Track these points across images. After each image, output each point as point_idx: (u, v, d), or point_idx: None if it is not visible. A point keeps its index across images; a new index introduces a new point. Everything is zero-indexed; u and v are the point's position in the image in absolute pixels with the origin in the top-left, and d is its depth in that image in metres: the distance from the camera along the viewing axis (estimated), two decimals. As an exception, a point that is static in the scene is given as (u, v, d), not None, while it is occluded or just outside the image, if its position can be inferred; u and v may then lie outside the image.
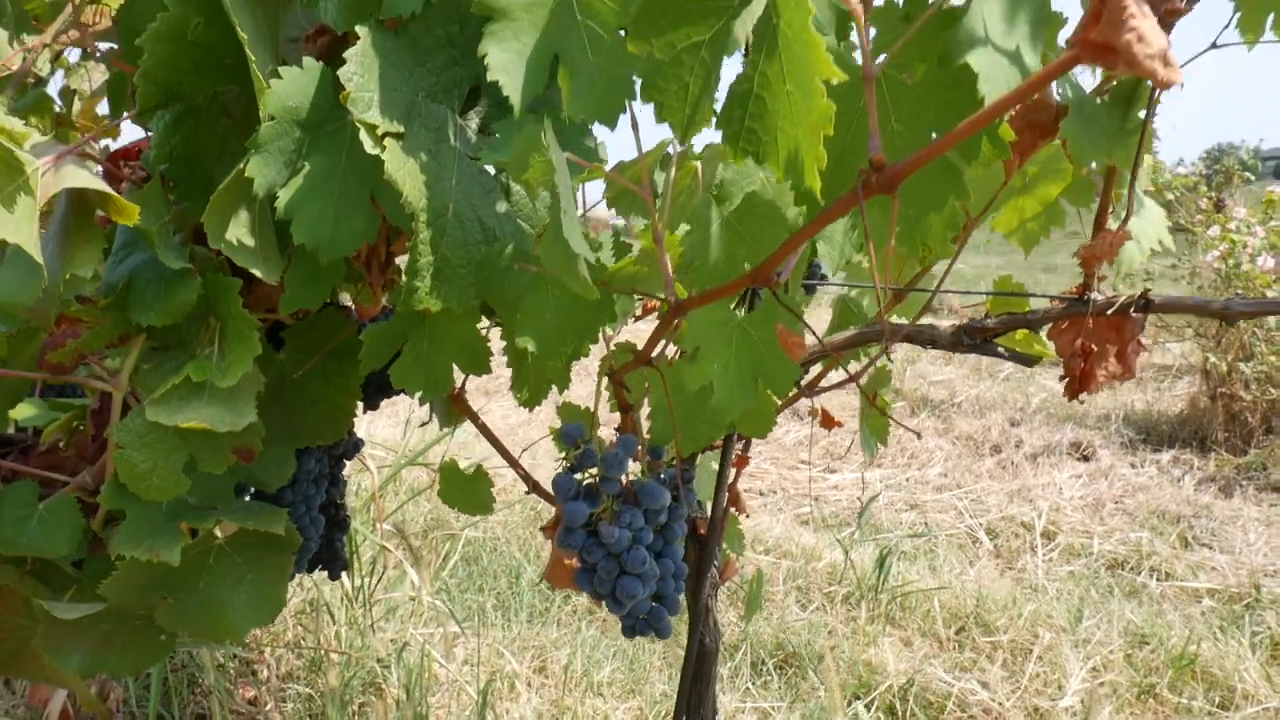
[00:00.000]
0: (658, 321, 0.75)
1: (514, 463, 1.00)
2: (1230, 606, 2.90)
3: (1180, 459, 4.35)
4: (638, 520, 0.72)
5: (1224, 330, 4.58)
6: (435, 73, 0.77)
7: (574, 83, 0.54)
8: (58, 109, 1.53)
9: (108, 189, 0.70)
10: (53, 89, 1.68)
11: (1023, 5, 0.49)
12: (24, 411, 1.26)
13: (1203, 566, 3.20)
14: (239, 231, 0.76)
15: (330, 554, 1.24)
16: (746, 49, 0.52)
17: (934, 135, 0.53)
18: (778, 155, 0.47)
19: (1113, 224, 0.79)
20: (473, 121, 0.83)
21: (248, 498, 1.16)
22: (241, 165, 0.71)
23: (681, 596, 0.90)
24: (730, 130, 0.48)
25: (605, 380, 0.84)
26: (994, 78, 0.46)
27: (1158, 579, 3.12)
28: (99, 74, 1.46)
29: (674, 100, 0.48)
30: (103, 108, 1.61)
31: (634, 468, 0.82)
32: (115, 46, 1.38)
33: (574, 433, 0.75)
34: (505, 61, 0.55)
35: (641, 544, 0.72)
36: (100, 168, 0.89)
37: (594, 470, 0.74)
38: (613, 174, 0.60)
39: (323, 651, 2.05)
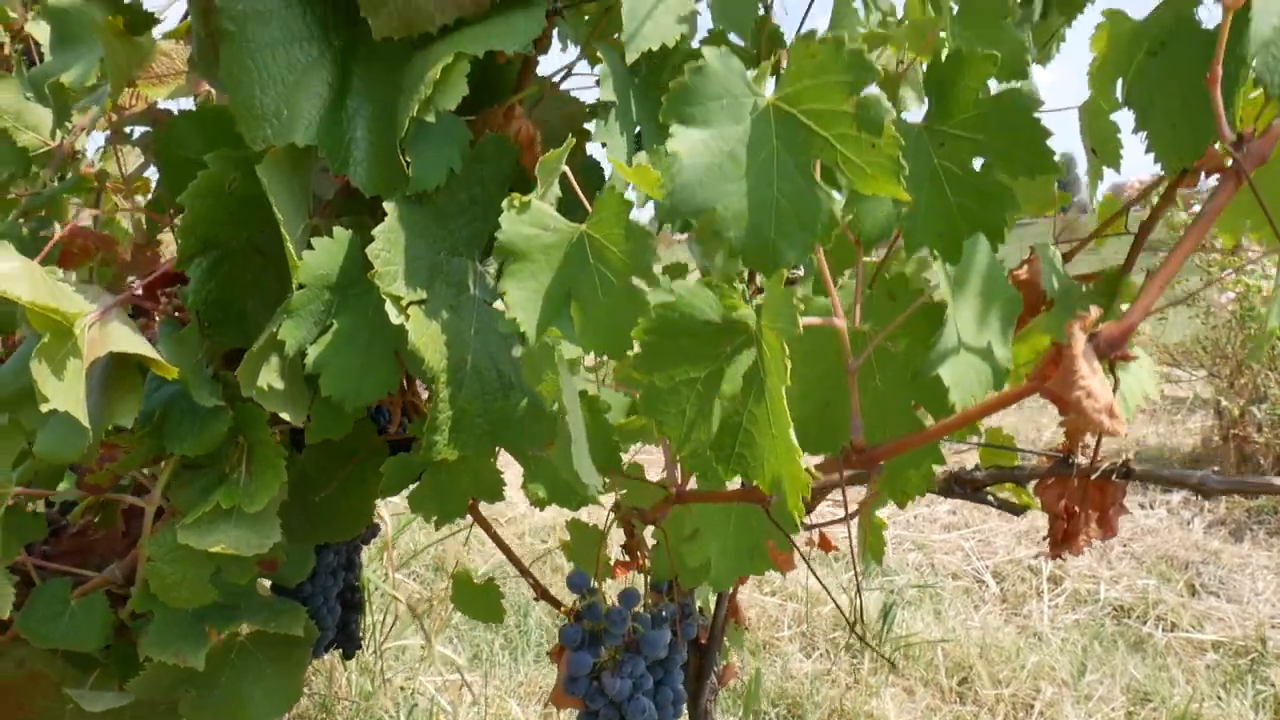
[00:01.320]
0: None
1: (525, 571, 1.05)
2: (1235, 661, 2.92)
3: (1190, 500, 4.35)
4: (639, 668, 0.76)
5: (1237, 372, 4.59)
6: (458, 230, 0.82)
7: (585, 318, 0.58)
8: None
9: (151, 352, 0.75)
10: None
11: (994, 305, 0.53)
12: (61, 484, 1.32)
13: (1209, 617, 3.21)
14: (269, 377, 0.81)
15: (345, 636, 1.29)
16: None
17: (913, 402, 0.57)
18: (764, 478, 0.51)
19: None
20: (492, 267, 0.88)
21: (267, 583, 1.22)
22: (274, 329, 0.76)
23: (683, 705, 0.94)
24: (722, 454, 0.53)
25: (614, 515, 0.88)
26: (965, 384, 0.50)
27: (1163, 629, 3.13)
28: (134, 157, 1.51)
29: (672, 421, 0.53)
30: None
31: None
32: (150, 130, 1.43)
33: (580, 582, 0.79)
34: (522, 299, 0.59)
35: (642, 690, 0.76)
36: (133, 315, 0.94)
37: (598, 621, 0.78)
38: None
39: (333, 698, 2.10)
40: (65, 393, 0.70)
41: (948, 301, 0.52)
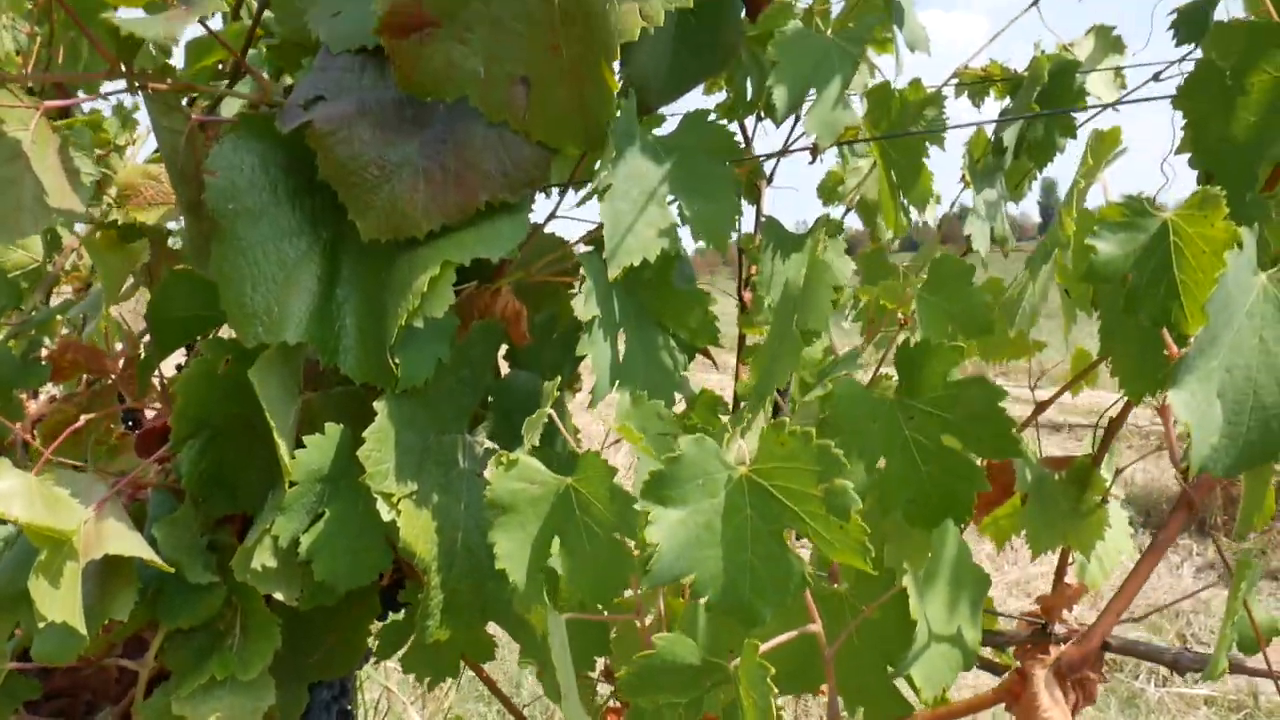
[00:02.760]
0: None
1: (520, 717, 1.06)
2: (1228, 716, 2.93)
3: (1179, 544, 4.37)
4: None
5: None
6: (447, 411, 0.84)
7: (571, 564, 0.60)
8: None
9: (146, 551, 0.76)
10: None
11: (963, 590, 0.55)
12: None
13: (1201, 670, 3.22)
14: (263, 558, 0.82)
15: (340, 762, 1.29)
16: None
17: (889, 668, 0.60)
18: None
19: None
20: (481, 435, 0.89)
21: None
22: (267, 525, 0.77)
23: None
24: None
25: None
26: (935, 677, 0.52)
27: (1155, 683, 3.14)
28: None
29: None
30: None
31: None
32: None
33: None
34: (511, 549, 0.61)
35: None
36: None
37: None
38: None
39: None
40: (62, 603, 0.71)
41: (915, 613, 0.54)
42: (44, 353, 1.73)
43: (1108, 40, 1.12)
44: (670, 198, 0.71)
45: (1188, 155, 0.66)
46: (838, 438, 0.51)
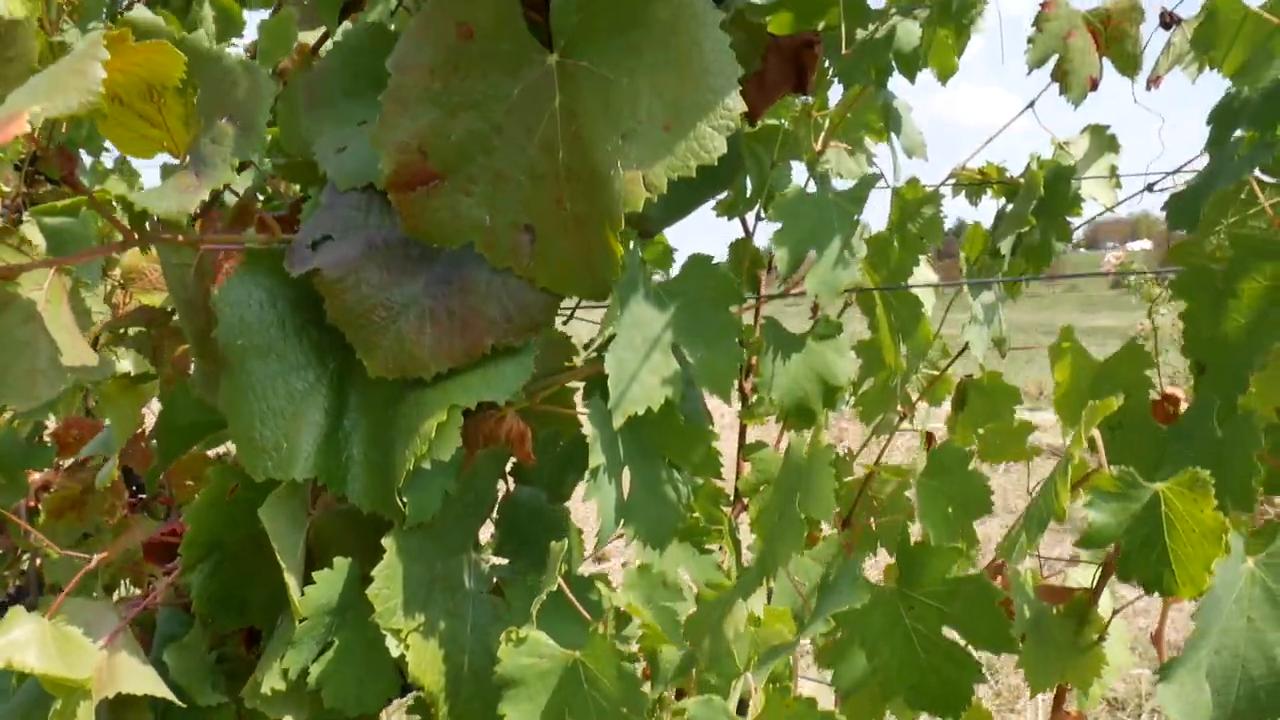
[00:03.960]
0: None
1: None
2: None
3: (1179, 573, 4.37)
4: None
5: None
6: (453, 537, 0.85)
7: (587, 740, 0.61)
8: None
9: (161, 689, 0.77)
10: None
11: None
12: None
13: (1202, 706, 3.22)
14: (272, 682, 0.83)
15: None
16: None
17: None
18: None
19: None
20: (486, 553, 0.90)
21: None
22: (278, 659, 0.78)
23: None
24: None
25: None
26: None
27: (1156, 722, 3.14)
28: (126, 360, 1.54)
29: None
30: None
31: None
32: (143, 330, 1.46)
33: None
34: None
35: None
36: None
37: None
38: None
39: None
40: (76, 747, 0.72)
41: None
42: (50, 424, 1.74)
43: (1103, 139, 1.13)
44: (673, 344, 0.72)
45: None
46: (841, 628, 0.52)
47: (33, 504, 1.83)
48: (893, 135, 1.01)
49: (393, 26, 0.99)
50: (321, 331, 0.83)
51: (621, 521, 0.74)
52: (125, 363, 1.55)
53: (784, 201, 0.81)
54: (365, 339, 0.77)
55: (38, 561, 1.88)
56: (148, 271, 1.49)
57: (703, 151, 0.68)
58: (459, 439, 0.74)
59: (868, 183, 0.85)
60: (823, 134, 1.16)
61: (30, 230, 1.39)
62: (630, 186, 0.64)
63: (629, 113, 0.67)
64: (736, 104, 0.66)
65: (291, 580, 0.77)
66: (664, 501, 0.77)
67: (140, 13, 0.67)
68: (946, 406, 1.26)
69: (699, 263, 0.77)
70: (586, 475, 0.70)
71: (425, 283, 0.78)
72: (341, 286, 0.75)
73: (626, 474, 0.75)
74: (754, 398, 1.17)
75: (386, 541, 0.78)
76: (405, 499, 0.77)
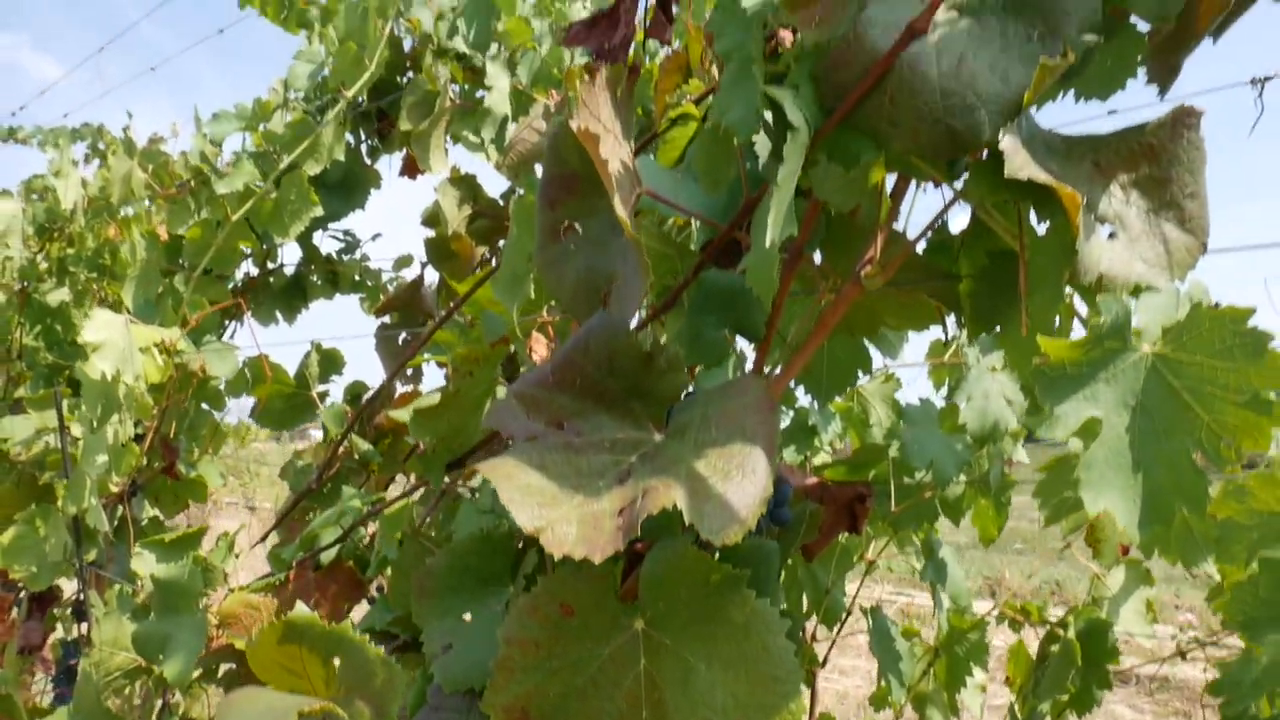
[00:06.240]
0: None
1: None
2: None
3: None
4: None
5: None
6: None
7: None
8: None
9: None
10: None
11: None
12: None
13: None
14: None
15: None
16: None
17: None
18: None
19: None
20: None
21: None
22: None
23: None
24: None
25: None
26: None
27: None
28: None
29: None
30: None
31: None
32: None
33: None
34: None
35: None
36: None
37: None
38: None
39: None
40: None
41: None
42: None
43: (1138, 572, 1.21)
44: None
45: None
46: None
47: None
48: (937, 586, 1.11)
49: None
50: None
51: None
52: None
53: None
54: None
55: None
56: (243, 615, 1.61)
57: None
58: None
59: None
60: (873, 546, 1.26)
61: (138, 563, 1.52)
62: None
63: (705, 701, 0.77)
64: (800, 708, 0.76)
65: None
66: None
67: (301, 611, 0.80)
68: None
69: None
70: None
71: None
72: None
73: None
74: None
75: None
76: None
